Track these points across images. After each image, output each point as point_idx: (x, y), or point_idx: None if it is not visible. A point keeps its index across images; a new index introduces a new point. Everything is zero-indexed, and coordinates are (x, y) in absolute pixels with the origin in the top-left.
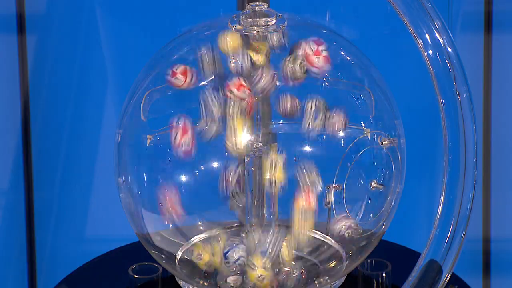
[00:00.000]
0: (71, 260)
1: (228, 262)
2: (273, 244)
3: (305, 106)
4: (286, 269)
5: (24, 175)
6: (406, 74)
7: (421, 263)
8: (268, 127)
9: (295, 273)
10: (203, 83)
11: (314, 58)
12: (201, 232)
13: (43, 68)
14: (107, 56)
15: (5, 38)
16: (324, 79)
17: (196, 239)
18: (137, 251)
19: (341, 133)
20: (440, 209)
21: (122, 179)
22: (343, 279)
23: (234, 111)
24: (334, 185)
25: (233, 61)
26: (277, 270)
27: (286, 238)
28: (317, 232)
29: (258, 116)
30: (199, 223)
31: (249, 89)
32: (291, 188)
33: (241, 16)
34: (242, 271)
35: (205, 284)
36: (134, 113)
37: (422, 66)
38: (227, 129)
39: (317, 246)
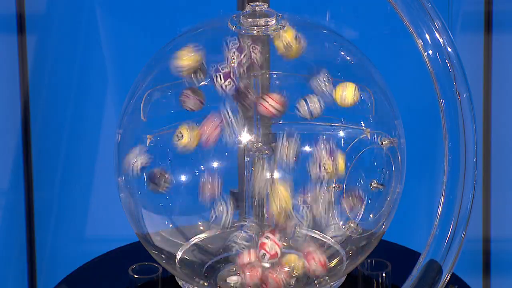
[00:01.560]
0: (71, 260)
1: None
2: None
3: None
4: (286, 269)
5: (24, 175)
6: (406, 74)
7: (421, 263)
8: (268, 127)
9: (296, 273)
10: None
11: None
12: (201, 232)
13: (43, 68)
14: (107, 56)
15: (5, 38)
16: (324, 79)
17: (196, 239)
18: (137, 251)
19: (341, 133)
20: (440, 209)
21: (122, 179)
22: (343, 279)
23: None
24: (334, 185)
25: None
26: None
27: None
28: (317, 232)
29: (258, 116)
30: (199, 223)
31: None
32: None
33: (241, 16)
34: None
35: (205, 284)
36: (134, 113)
37: (422, 66)
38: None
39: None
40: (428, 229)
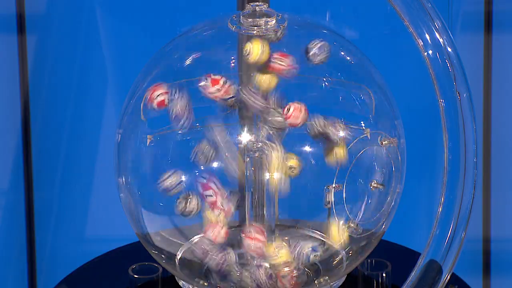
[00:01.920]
0: (71, 260)
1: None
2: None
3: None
4: (287, 269)
5: (24, 175)
6: (406, 74)
7: (421, 263)
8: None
9: (295, 273)
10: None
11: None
12: (201, 232)
13: (43, 68)
14: (107, 56)
15: (5, 38)
16: (324, 79)
17: (196, 239)
18: (137, 251)
19: (342, 133)
20: (440, 209)
21: (122, 179)
22: (343, 279)
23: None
24: (334, 185)
25: None
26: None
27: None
28: (316, 232)
29: (258, 116)
30: (199, 223)
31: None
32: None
33: (241, 16)
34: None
35: (205, 284)
36: (134, 113)
37: (422, 66)
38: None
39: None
40: (428, 229)
